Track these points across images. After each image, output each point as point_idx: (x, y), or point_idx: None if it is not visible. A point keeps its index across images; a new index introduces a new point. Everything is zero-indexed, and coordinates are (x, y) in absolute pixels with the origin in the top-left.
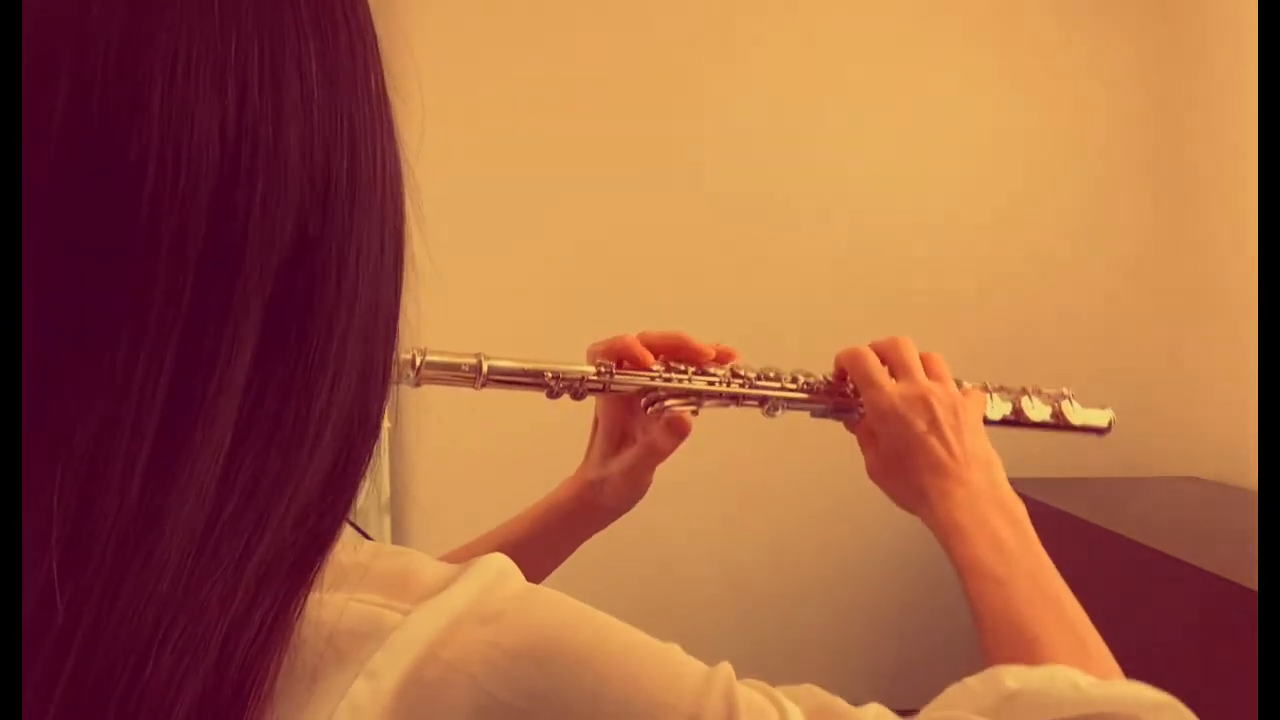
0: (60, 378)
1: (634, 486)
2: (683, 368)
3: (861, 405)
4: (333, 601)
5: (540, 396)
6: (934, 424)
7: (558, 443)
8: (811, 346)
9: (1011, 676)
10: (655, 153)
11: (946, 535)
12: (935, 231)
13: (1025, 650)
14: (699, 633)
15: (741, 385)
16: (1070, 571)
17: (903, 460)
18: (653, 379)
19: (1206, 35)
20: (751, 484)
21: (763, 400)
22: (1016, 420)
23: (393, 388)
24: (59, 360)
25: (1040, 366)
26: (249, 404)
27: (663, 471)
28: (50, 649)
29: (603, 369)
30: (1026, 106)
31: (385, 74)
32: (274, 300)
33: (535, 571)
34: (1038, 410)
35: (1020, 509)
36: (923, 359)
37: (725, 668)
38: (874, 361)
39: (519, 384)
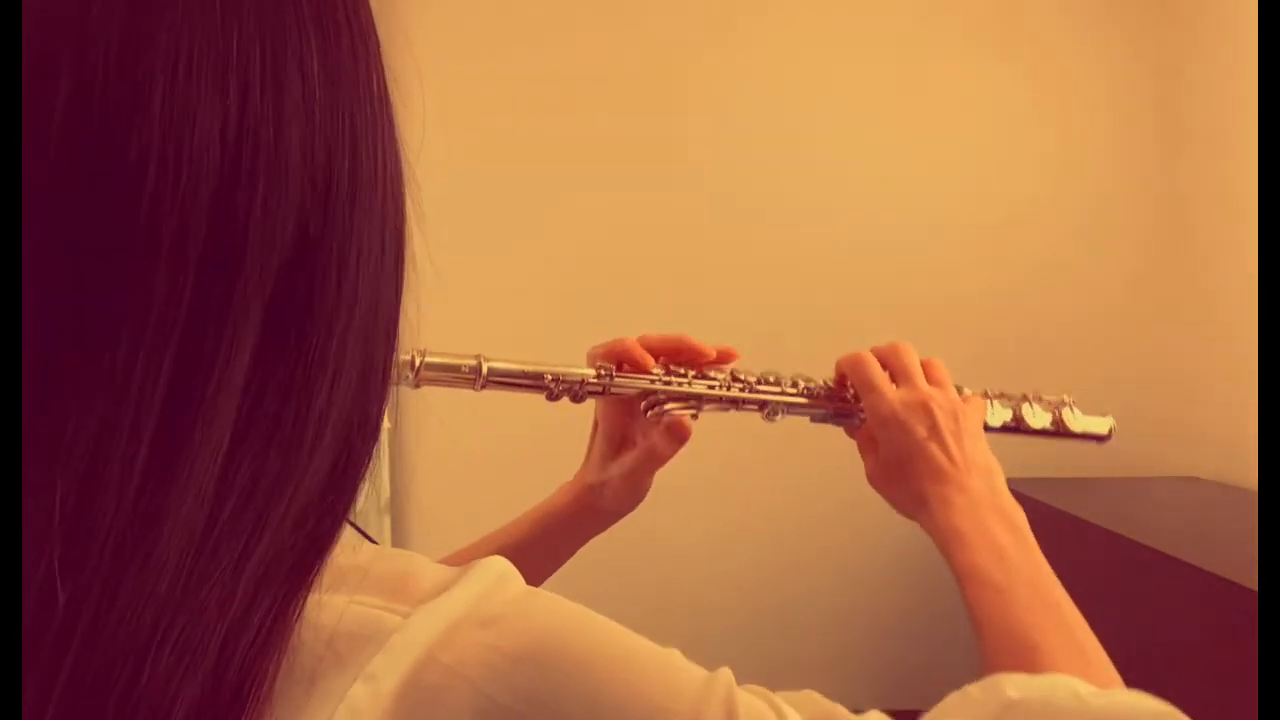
0: (60, 378)
1: (634, 490)
2: (683, 371)
3: (862, 411)
4: (332, 604)
5: (540, 398)
6: (934, 430)
7: (558, 444)
8: (812, 348)
9: (1012, 685)
10: (656, 152)
11: (946, 542)
12: (937, 233)
13: (1026, 658)
14: (698, 636)
15: (741, 389)
16: (1070, 572)
17: (903, 466)
18: (652, 382)
19: (1208, 37)
20: (752, 488)
21: (763, 405)
22: (1017, 427)
23: (393, 389)
24: (59, 360)
25: (1041, 367)
26: (248, 404)
27: (663, 475)
28: (49, 648)
29: (602, 372)
30: (1029, 107)
31: (387, 75)
32: (274, 301)
33: (535, 574)
34: (1038, 417)
35: (1020, 516)
36: (923, 365)
37: (725, 673)
38: (875, 367)
39: (518, 386)
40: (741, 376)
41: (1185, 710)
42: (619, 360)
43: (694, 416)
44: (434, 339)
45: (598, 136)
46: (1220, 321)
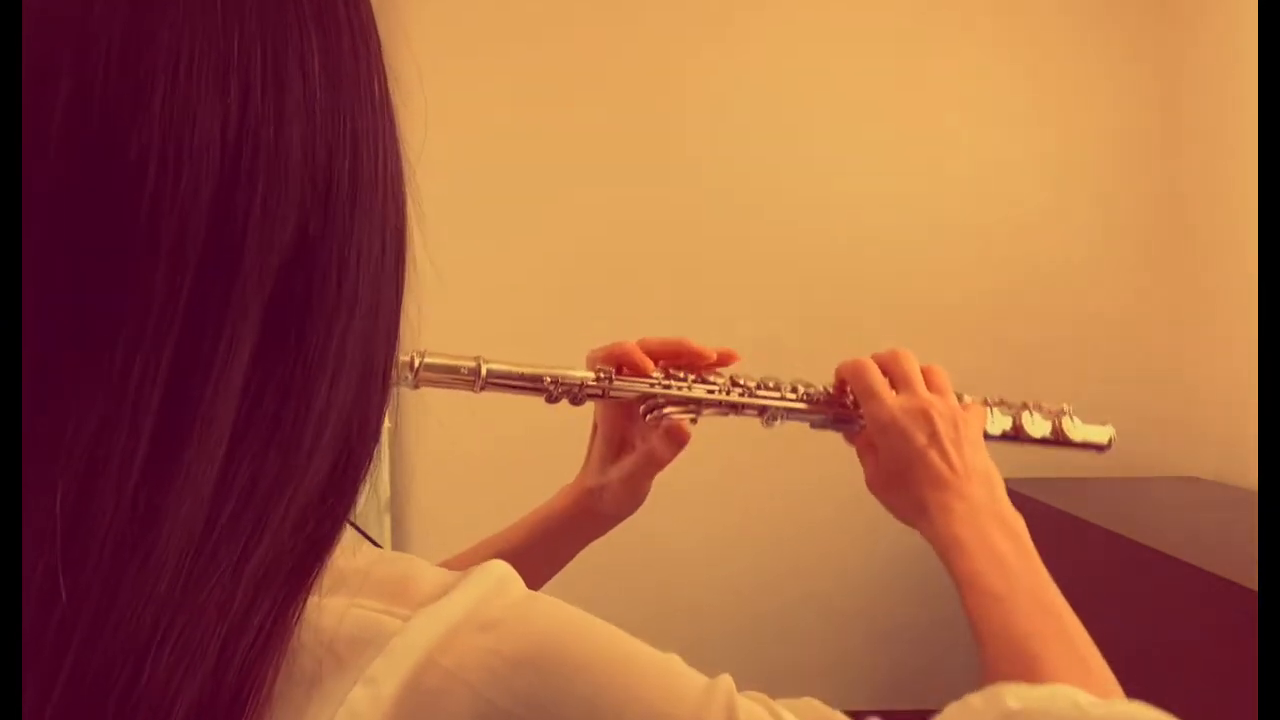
0: (59, 377)
1: (633, 494)
2: (682, 375)
3: (862, 417)
4: (332, 607)
5: (540, 400)
6: (934, 437)
7: (558, 445)
8: (810, 344)
9: (1013, 695)
10: (655, 150)
11: (946, 549)
12: (936, 232)
13: (1026, 668)
14: (698, 640)
15: (741, 394)
16: (1071, 572)
17: (903, 473)
18: (652, 386)
19: (1208, 37)
20: (751, 492)
21: (762, 410)
22: (1016, 435)
23: (393, 390)
24: (58, 359)
25: (1040, 366)
26: (247, 405)
27: (663, 479)
28: (49, 648)
29: (602, 375)
30: (1029, 106)
31: (388, 76)
32: (273, 301)
33: (534, 578)
34: (1038, 426)
35: (1020, 524)
36: (924, 372)
37: (726, 680)
38: (875, 373)
39: (517, 388)
40: (741, 381)
41: (1185, 710)
42: (618, 363)
43: (693, 421)
44: (433, 339)
45: (597, 134)
46: (1220, 321)
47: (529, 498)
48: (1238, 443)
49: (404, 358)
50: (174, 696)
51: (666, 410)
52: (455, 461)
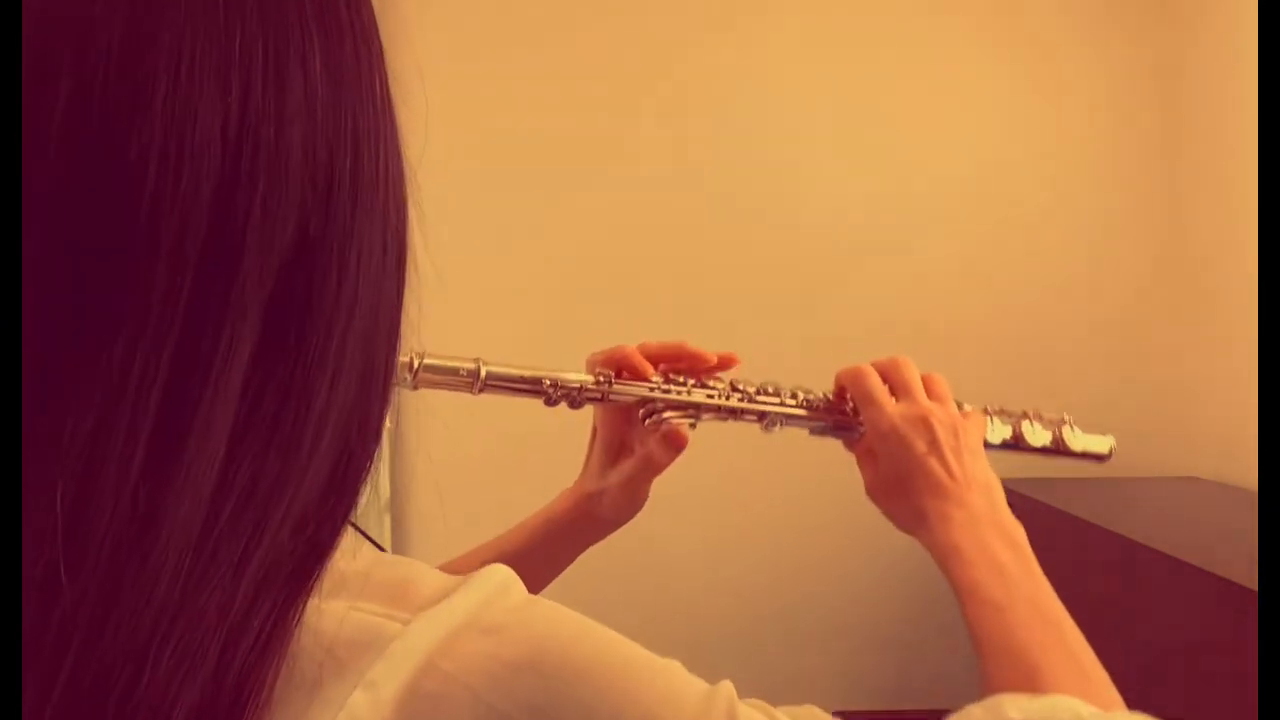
0: (59, 376)
1: (631, 499)
2: (682, 380)
3: (861, 424)
4: (332, 610)
5: (539, 402)
6: (934, 445)
7: (558, 446)
8: (810, 343)
9: (1013, 706)
10: (658, 154)
11: (945, 558)
12: (936, 232)
13: (1027, 679)
14: (697, 645)
15: (740, 399)
16: (1071, 572)
17: (902, 481)
18: (651, 390)
19: (1208, 38)
20: (752, 498)
21: (761, 415)
22: (1016, 444)
23: (394, 391)
24: (58, 359)
25: (1040, 366)
26: (247, 405)
27: (664, 484)
28: (48, 649)
29: (601, 378)
30: (1029, 108)
31: (389, 77)
32: (274, 301)
33: (534, 582)
34: (1038, 435)
35: (1020, 533)
36: (924, 380)
37: (726, 687)
38: (875, 380)
39: (516, 390)
40: (741, 386)
41: (1185, 710)
42: (618, 367)
43: (692, 426)
44: (433, 339)
45: (598, 136)
46: (1220, 321)
47: (529, 499)
48: (1238, 443)
49: (403, 359)
50: (174, 699)
51: (665, 415)
52: (456, 462)
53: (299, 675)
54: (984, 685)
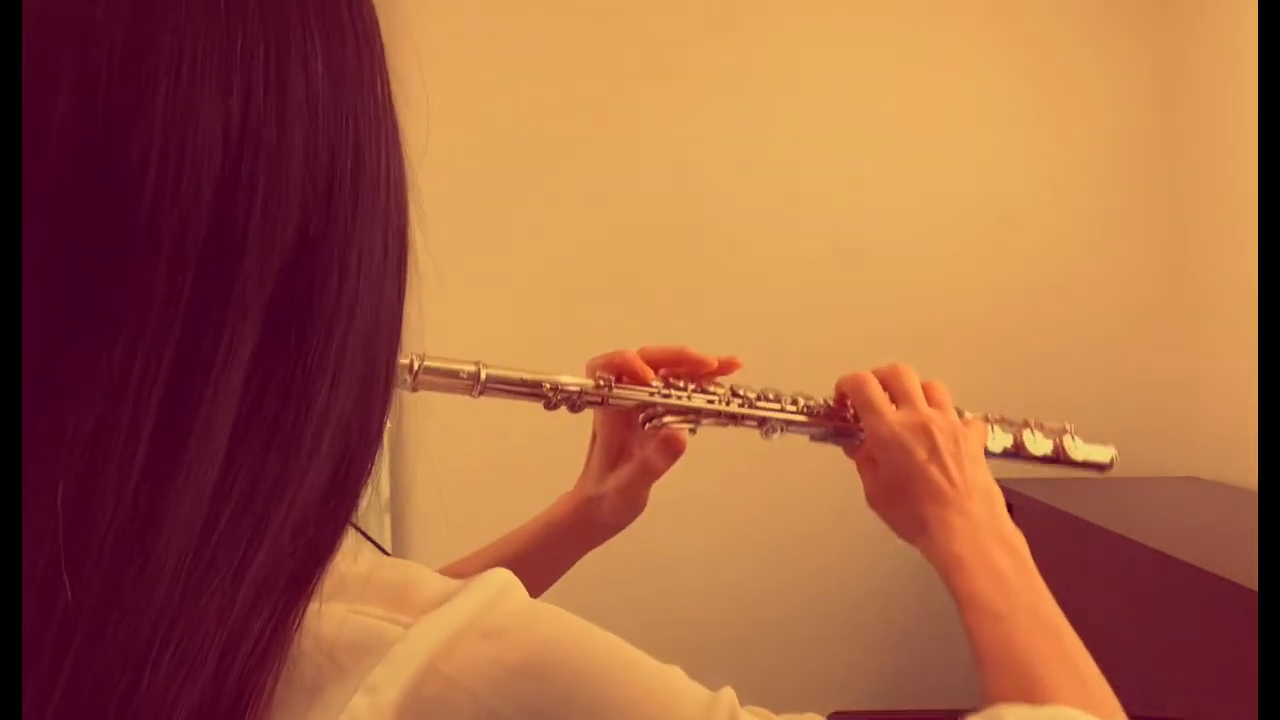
0: (59, 376)
1: (630, 503)
2: (682, 384)
3: (862, 431)
4: (332, 613)
5: (540, 405)
6: (934, 453)
7: (560, 448)
8: (810, 345)
9: (1014, 717)
10: (659, 155)
11: (946, 567)
12: (935, 232)
13: (1027, 690)
14: (697, 650)
15: (741, 405)
16: (1070, 572)
17: (903, 488)
18: (651, 395)
19: (1209, 38)
20: (752, 504)
21: (762, 421)
22: (1017, 453)
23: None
24: (58, 358)
25: (1040, 366)
26: (247, 406)
27: (664, 489)
28: (49, 651)
29: (601, 383)
30: (1030, 108)
31: (391, 80)
32: (274, 301)
33: (533, 586)
34: (1039, 444)
35: (1020, 541)
36: (924, 387)
37: (728, 693)
38: (876, 388)
39: (516, 394)
40: (741, 392)
41: (1185, 710)
42: (618, 372)
43: (692, 431)
44: (433, 340)
45: (600, 137)
46: (1220, 321)
47: (530, 501)
48: (1238, 443)
49: (403, 361)
50: (174, 702)
51: (665, 419)
52: (456, 464)
53: (299, 678)
54: (984, 695)
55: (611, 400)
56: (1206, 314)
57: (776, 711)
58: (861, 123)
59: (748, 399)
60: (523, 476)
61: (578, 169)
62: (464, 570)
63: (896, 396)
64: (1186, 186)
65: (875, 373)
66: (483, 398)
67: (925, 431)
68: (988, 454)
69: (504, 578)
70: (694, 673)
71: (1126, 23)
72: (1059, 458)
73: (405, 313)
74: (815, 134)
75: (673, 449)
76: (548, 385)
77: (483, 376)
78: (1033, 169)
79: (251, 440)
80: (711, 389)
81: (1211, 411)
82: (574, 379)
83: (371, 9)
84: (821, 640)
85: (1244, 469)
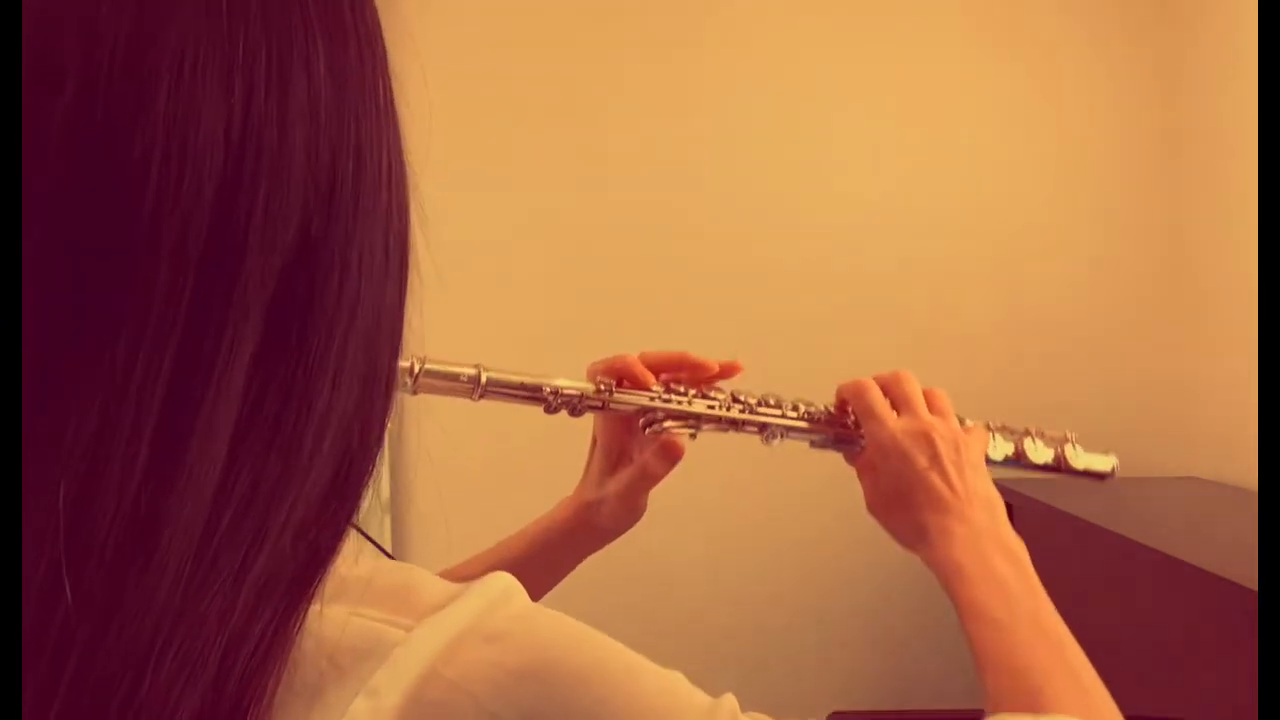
0: (60, 376)
1: (630, 509)
2: (683, 389)
3: (862, 438)
4: (333, 616)
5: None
6: (935, 460)
7: (561, 450)
8: (811, 346)
9: None
10: (661, 156)
11: (947, 575)
12: (935, 232)
13: (1029, 700)
14: (697, 654)
15: (741, 411)
16: (1070, 571)
17: (903, 496)
18: (651, 400)
19: (1209, 38)
20: (752, 509)
21: (762, 427)
22: (1018, 461)
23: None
24: (59, 358)
25: (1040, 366)
26: (248, 406)
27: (664, 495)
28: (49, 654)
29: (602, 387)
30: (1029, 109)
31: (393, 84)
32: (276, 301)
33: (533, 590)
34: (1040, 453)
35: (1021, 549)
36: (925, 394)
37: (729, 700)
38: (877, 394)
39: (516, 397)
40: (742, 397)
41: (1185, 710)
42: (619, 376)
43: (692, 436)
44: (433, 341)
45: (601, 138)
46: (1220, 321)
47: (530, 503)
48: (1238, 443)
49: (403, 363)
50: (175, 706)
51: (666, 425)
52: (456, 466)
53: (300, 681)
54: (985, 704)
55: (612, 405)
56: (1206, 314)
57: (777, 716)
58: (860, 123)
59: (748, 404)
60: (523, 479)
61: (578, 170)
62: (463, 574)
63: (898, 403)
64: (1186, 186)
65: (876, 379)
66: (483, 401)
67: (926, 439)
68: (989, 462)
69: (505, 581)
70: (694, 676)
71: (1127, 23)
72: (1060, 466)
73: (406, 314)
74: (814, 135)
75: (671, 454)
76: (548, 389)
77: (483, 380)
78: (1032, 169)
79: (253, 441)
80: (712, 394)
81: (1211, 411)
82: (574, 383)
83: (374, 11)
84: (821, 644)
85: (1244, 469)
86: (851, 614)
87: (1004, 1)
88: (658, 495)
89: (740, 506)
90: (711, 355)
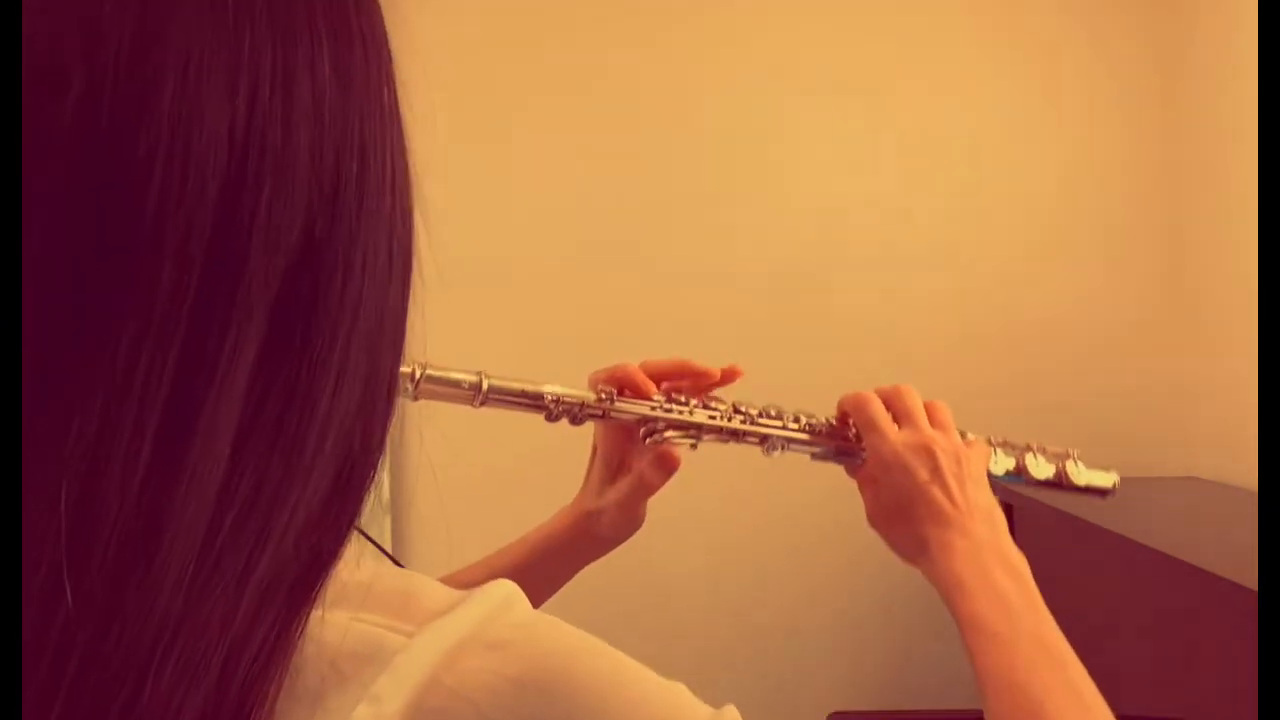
0: (61, 376)
1: (629, 518)
2: (684, 399)
3: (863, 450)
4: (334, 621)
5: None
6: (937, 473)
7: (562, 456)
8: (811, 348)
9: None
10: (661, 157)
11: (947, 589)
12: (936, 232)
13: (1030, 716)
14: (697, 661)
15: (743, 421)
16: (1070, 571)
17: (904, 509)
18: (653, 409)
19: (1209, 39)
20: (752, 520)
21: (763, 439)
22: (1019, 476)
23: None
24: (60, 359)
25: (1040, 365)
26: (251, 407)
27: (665, 504)
28: (50, 657)
29: (603, 396)
30: (1029, 110)
31: (399, 88)
32: (279, 302)
33: (532, 598)
34: (1042, 468)
35: (1022, 562)
36: (927, 407)
37: (731, 712)
38: (878, 407)
39: (518, 405)
40: (743, 408)
41: (1186, 710)
42: (620, 385)
43: (693, 446)
44: (433, 339)
45: (601, 138)
46: (1220, 322)
47: (530, 511)
48: (1238, 443)
49: (405, 369)
50: (176, 711)
51: (667, 434)
52: (457, 472)
53: (301, 686)
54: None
55: (613, 414)
56: (1206, 314)
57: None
58: (860, 125)
59: (749, 415)
60: (523, 487)
61: (579, 170)
62: (465, 580)
63: (899, 416)
64: (1186, 186)
65: (878, 392)
66: (484, 408)
67: (928, 452)
68: (991, 476)
69: (507, 589)
70: (693, 685)
71: (1127, 23)
72: (1061, 482)
73: (409, 318)
74: (814, 136)
75: (667, 465)
76: (549, 397)
77: (484, 387)
78: (1033, 169)
79: (256, 442)
80: (714, 405)
81: (1211, 411)
82: (576, 391)
83: (380, 14)
84: (820, 654)
85: (1244, 469)
86: (851, 625)
87: (1004, 2)
88: (658, 505)
89: (740, 517)
90: (714, 359)
